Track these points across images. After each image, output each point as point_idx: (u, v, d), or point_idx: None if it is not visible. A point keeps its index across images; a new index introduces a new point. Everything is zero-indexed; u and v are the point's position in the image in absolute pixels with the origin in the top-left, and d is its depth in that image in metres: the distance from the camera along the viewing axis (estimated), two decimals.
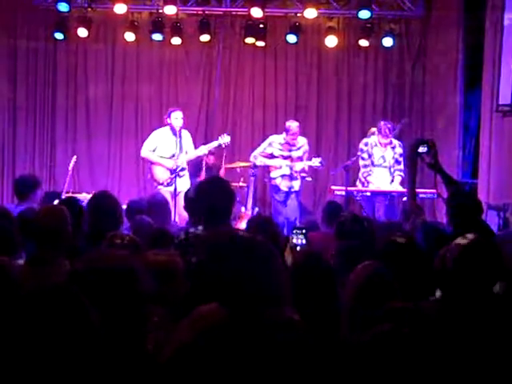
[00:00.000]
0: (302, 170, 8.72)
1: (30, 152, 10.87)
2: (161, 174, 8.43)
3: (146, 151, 8.57)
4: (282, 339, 2.36)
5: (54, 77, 10.86)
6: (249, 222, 4.73)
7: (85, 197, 9.02)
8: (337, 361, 2.45)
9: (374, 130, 8.83)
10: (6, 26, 10.63)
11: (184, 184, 8.16)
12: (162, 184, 8.38)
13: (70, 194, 8.56)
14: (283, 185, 8.71)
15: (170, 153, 8.39)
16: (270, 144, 8.76)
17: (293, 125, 8.66)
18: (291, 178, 8.69)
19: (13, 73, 10.73)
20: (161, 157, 8.43)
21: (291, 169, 8.64)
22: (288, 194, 8.73)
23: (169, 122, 8.39)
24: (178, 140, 8.35)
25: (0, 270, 2.73)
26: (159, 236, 4.28)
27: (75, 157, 9.48)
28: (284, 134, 8.70)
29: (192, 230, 3.89)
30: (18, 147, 10.82)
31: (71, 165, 9.25)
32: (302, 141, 8.77)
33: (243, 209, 8.82)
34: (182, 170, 8.37)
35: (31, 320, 1.76)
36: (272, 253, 2.50)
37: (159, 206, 5.93)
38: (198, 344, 2.30)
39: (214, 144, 8.52)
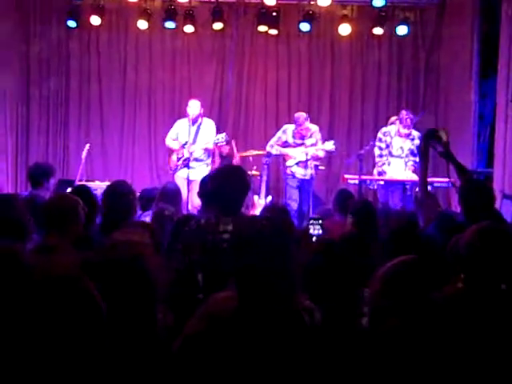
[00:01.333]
0: (316, 156, 8.70)
1: (43, 140, 10.87)
2: (172, 160, 8.74)
3: (167, 139, 8.89)
4: (297, 327, 2.36)
5: (67, 65, 10.85)
6: (263, 211, 4.73)
7: (98, 185, 9.06)
8: (352, 349, 2.45)
9: (393, 118, 8.72)
10: (19, 14, 10.61)
11: (198, 173, 8.12)
12: (171, 169, 8.74)
13: (83, 182, 8.57)
14: (298, 172, 8.72)
15: (183, 141, 8.56)
16: (284, 131, 8.83)
17: (300, 116, 8.68)
18: (306, 165, 8.68)
19: (25, 61, 10.70)
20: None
21: (307, 155, 8.63)
22: (302, 181, 8.72)
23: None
24: (194, 129, 8.47)
25: (13, 256, 2.72)
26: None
27: (88, 145, 9.48)
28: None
29: (204, 218, 3.87)
30: (31, 135, 10.81)
31: (84, 153, 9.26)
32: (313, 128, 8.79)
33: (256, 197, 8.81)
34: (187, 159, 8.38)
35: (39, 307, 1.76)
36: (287, 241, 2.50)
37: (171, 195, 5.95)
38: (211, 332, 2.30)
39: (210, 145, 8.55)
